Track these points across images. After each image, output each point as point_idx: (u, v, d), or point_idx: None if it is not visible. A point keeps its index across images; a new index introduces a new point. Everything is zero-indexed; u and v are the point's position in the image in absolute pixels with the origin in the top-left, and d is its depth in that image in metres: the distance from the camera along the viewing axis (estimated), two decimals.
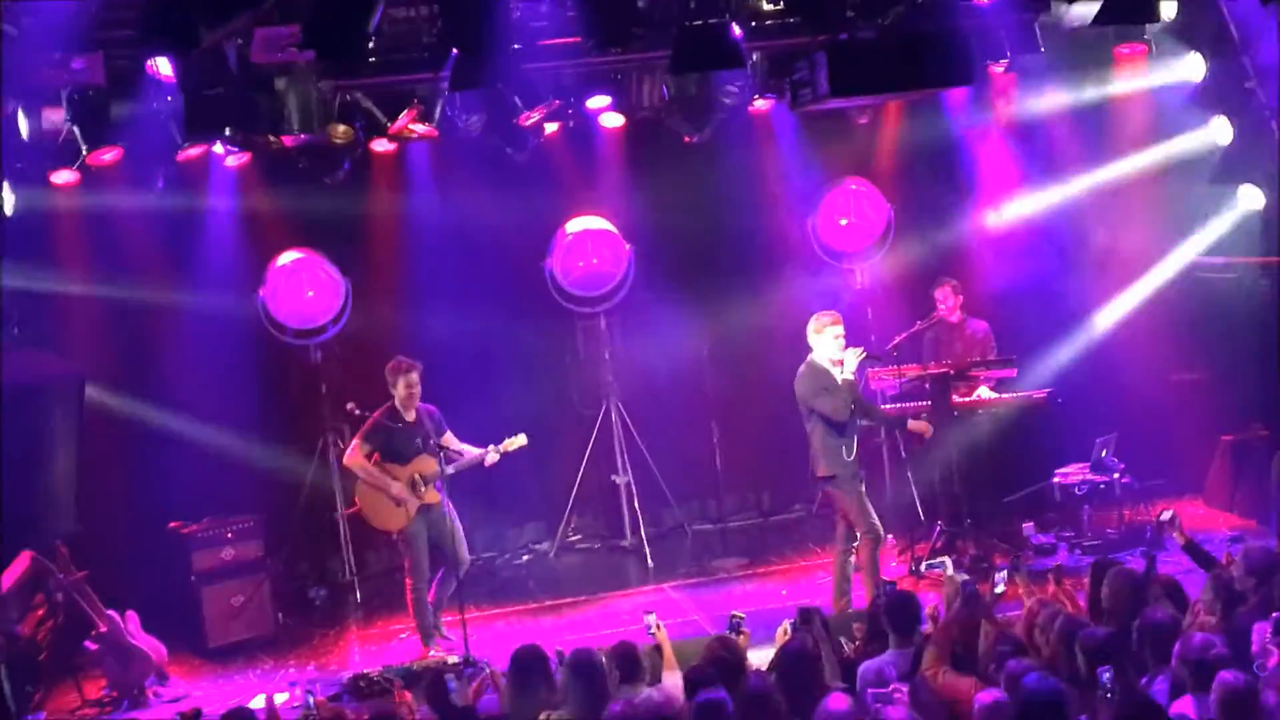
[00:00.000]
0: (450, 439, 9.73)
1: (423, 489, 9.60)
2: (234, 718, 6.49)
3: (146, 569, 10.56)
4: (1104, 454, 10.70)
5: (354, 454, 9.65)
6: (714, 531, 12.42)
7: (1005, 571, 7.49)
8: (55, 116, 8.99)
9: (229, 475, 11.05)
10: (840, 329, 9.56)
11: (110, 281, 10.90)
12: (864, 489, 9.71)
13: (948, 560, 9.41)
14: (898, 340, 10.84)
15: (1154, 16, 8.75)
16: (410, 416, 9.63)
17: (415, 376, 9.60)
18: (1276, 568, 7.03)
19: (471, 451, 9.73)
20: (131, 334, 11.17)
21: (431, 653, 9.69)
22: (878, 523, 9.66)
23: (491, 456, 9.74)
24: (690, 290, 12.17)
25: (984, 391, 10.95)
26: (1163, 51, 11.05)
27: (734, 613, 7.29)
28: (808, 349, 9.66)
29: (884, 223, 12.29)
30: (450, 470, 9.60)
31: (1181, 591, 7.48)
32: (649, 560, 11.75)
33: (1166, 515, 8.41)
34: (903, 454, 11.57)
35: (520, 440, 9.80)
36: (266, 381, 11.53)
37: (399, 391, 9.59)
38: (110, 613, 9.49)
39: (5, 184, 9.34)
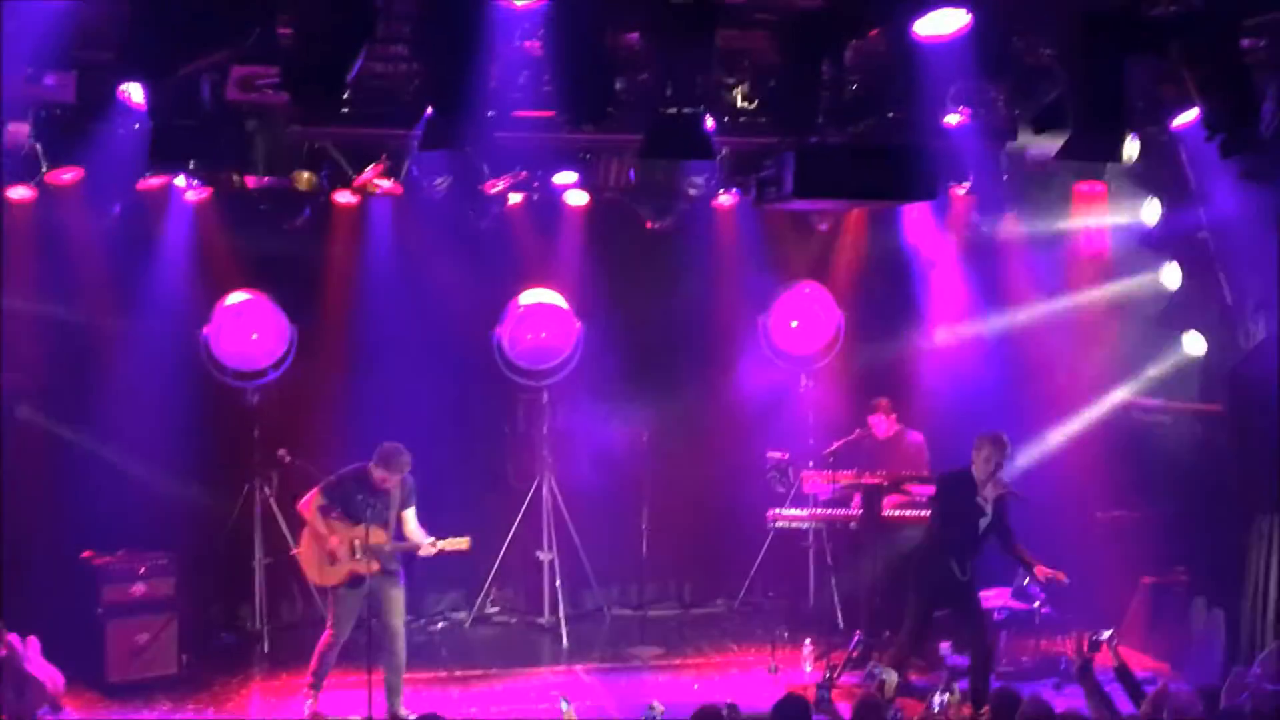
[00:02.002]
0: (410, 515, 9.45)
1: (359, 556, 9.28)
2: None
3: (55, 595, 10.32)
4: (1026, 582, 10.73)
5: (309, 502, 9.42)
6: (633, 618, 12.30)
7: (943, 694, 7.48)
8: (19, 130, 8.92)
9: (150, 509, 10.88)
10: (991, 451, 9.44)
11: (54, 300, 10.80)
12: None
13: (893, 673, 9.34)
14: (835, 446, 10.93)
15: (1116, 157, 8.91)
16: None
17: (400, 479, 9.29)
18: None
19: (415, 537, 9.44)
20: (69, 355, 11.04)
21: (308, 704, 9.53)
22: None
23: (427, 550, 9.42)
24: (636, 374, 12.20)
25: None
26: (1121, 192, 11.29)
27: (653, 703, 7.17)
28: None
29: (834, 328, 12.43)
30: (388, 548, 9.36)
31: None
32: (564, 640, 11.66)
33: (1106, 634, 8.42)
34: (829, 560, 11.59)
35: (462, 543, 9.48)
36: (200, 419, 11.35)
37: (378, 474, 9.25)
38: (11, 636, 9.26)
39: None
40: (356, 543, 9.28)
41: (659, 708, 7.09)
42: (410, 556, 9.64)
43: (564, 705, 7.32)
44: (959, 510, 9.50)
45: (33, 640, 9.41)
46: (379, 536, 9.29)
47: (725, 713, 6.81)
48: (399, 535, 9.44)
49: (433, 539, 9.43)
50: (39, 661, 9.38)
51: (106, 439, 10.91)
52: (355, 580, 9.35)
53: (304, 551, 9.60)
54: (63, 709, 9.55)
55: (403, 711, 9.54)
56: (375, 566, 9.32)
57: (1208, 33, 7.39)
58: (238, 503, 11.36)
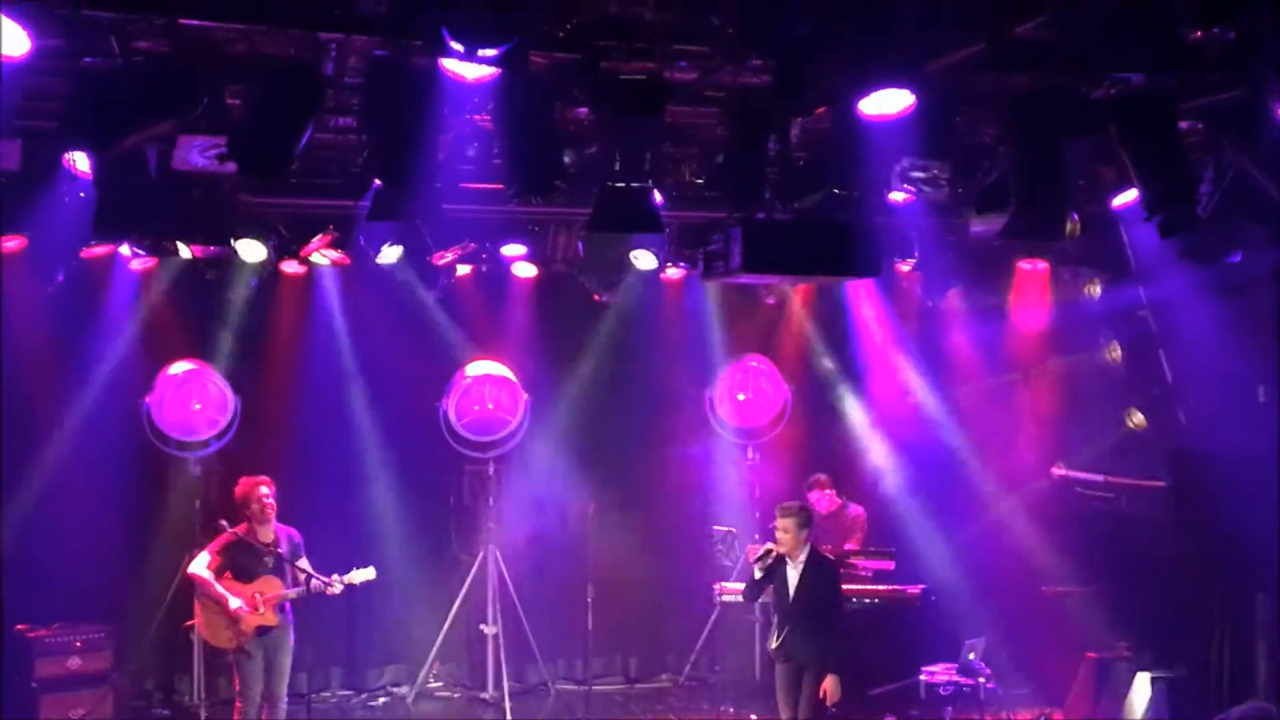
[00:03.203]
0: (302, 566, 9.47)
1: (261, 609, 9.30)
2: None
3: None
4: (972, 657, 10.73)
5: (199, 565, 9.37)
6: (578, 693, 12.18)
7: None
8: None
9: (88, 580, 10.72)
10: (790, 523, 9.14)
11: None
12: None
13: None
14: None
15: (1057, 236, 9.03)
16: (267, 536, 9.39)
17: (266, 489, 9.39)
18: None
19: (318, 580, 9.41)
20: (8, 423, 10.87)
21: None
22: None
23: (335, 587, 9.39)
24: (582, 447, 12.20)
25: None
26: (1063, 270, 11.44)
27: None
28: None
29: (781, 402, 12.47)
30: (292, 595, 9.36)
31: None
32: (508, 715, 11.50)
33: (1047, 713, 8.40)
34: None
35: (368, 574, 9.51)
36: (140, 490, 11.25)
37: (254, 507, 9.35)
38: None
39: None
40: (256, 596, 9.28)
41: None
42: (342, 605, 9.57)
43: None
44: (772, 580, 9.34)
45: None
46: (276, 586, 9.33)
47: None
48: (295, 586, 9.44)
49: (336, 575, 9.41)
50: None
51: (44, 508, 10.72)
52: (261, 631, 9.31)
53: (200, 620, 9.54)
54: None
55: None
56: (275, 618, 9.34)
57: (1145, 115, 7.53)
58: (177, 575, 11.17)
